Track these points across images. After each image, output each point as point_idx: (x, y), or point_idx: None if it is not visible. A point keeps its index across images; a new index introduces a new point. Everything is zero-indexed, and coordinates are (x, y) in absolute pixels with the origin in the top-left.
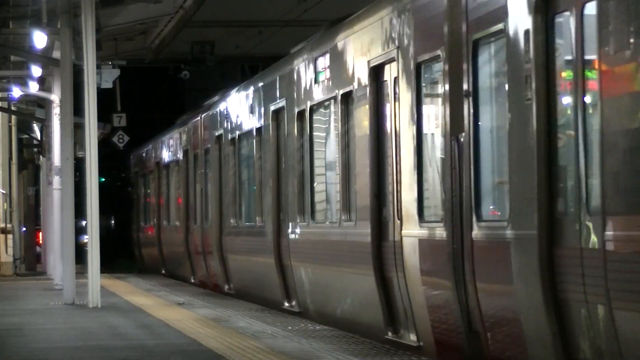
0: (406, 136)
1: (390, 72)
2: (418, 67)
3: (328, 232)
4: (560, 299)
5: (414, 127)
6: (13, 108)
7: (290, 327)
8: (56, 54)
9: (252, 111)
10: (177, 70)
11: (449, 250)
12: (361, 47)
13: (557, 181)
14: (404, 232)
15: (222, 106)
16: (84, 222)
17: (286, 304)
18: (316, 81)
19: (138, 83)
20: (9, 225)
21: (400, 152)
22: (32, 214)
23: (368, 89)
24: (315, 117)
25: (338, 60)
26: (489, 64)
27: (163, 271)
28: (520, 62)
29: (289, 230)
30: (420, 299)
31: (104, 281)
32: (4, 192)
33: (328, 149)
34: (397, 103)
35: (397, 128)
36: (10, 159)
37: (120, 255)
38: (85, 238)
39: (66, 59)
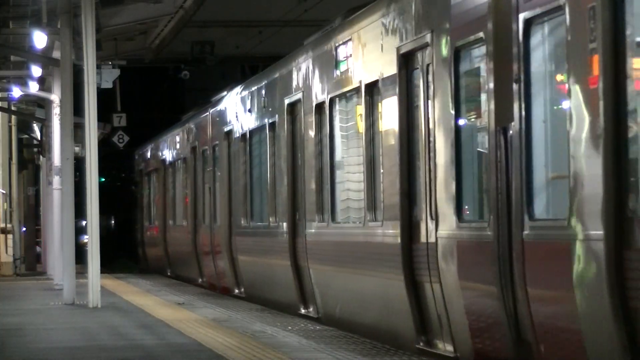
0: (442, 128)
1: (422, 59)
2: (456, 52)
3: (351, 232)
4: (631, 308)
5: (452, 119)
6: (13, 108)
7: (290, 327)
8: (56, 54)
9: (264, 105)
10: (177, 70)
11: (494, 253)
12: (388, 32)
13: (627, 175)
14: (439, 232)
15: (231, 101)
16: (84, 222)
17: (302, 309)
18: (337, 72)
19: (138, 83)
20: (9, 225)
21: (435, 146)
22: (32, 214)
23: (397, 78)
24: (335, 109)
25: (362, 48)
26: (543, 45)
27: (168, 272)
28: (583, 43)
29: (307, 231)
30: (458, 305)
31: (104, 281)
32: (4, 192)
33: (350, 144)
34: (431, 92)
35: (431, 120)
36: (10, 159)
37: (120, 255)
38: (85, 238)
39: (66, 59)
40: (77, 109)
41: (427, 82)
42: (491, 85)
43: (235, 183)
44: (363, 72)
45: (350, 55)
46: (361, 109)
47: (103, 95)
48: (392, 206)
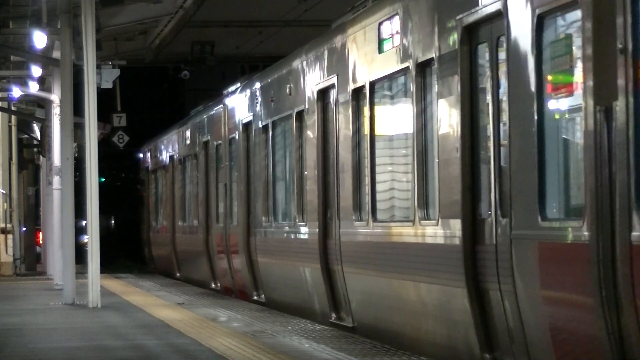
0: (519, 110)
1: (491, 31)
2: (539, 19)
3: (398, 233)
4: None
5: (533, 98)
6: (13, 108)
7: (290, 327)
8: (56, 54)
9: (290, 92)
10: (177, 70)
11: (593, 257)
12: (446, 2)
13: None
14: (515, 232)
15: (250, 90)
16: (84, 222)
17: (334, 317)
18: (380, 51)
19: (138, 83)
20: (9, 225)
21: (509, 131)
22: (32, 214)
23: (458, 55)
24: (377, 94)
25: (412, 22)
26: None
27: (177, 274)
28: None
29: (341, 231)
30: (538, 319)
31: (104, 281)
32: (4, 192)
33: (396, 132)
34: (503, 69)
35: (503, 101)
36: (10, 159)
37: (120, 255)
38: (85, 238)
39: (66, 59)
40: (77, 109)
41: (497, 57)
42: (589, 57)
43: (255, 179)
44: (413, 50)
45: (397, 32)
46: (411, 92)
47: (103, 95)
48: (451, 202)
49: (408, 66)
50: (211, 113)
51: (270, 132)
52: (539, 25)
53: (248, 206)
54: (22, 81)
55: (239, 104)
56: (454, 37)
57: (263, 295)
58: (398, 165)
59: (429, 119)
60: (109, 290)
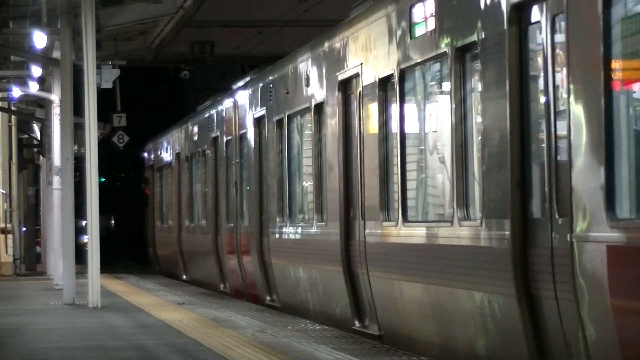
0: (581, 98)
1: (545, 10)
2: None
3: (433, 234)
4: None
5: (601, 84)
6: (13, 108)
7: (290, 327)
8: (56, 54)
9: (308, 84)
10: (177, 70)
11: None
12: None
13: None
14: (576, 233)
15: (263, 82)
16: (84, 222)
17: (357, 324)
18: (411, 37)
19: (138, 83)
20: (9, 225)
21: (568, 122)
22: (32, 214)
23: (506, 37)
24: (408, 83)
25: (451, 4)
26: None
27: (184, 276)
28: None
29: (366, 231)
30: (605, 331)
31: (104, 281)
32: (4, 192)
33: (429, 123)
34: (559, 52)
35: (561, 88)
36: (10, 159)
37: (120, 255)
38: (85, 238)
39: (66, 59)
40: (77, 109)
41: (553, 40)
42: None
43: (269, 177)
44: (452, 33)
45: (432, 15)
46: (448, 80)
47: (103, 95)
48: (496, 200)
49: (445, 52)
50: (220, 108)
51: (286, 127)
52: (607, 1)
53: (261, 205)
54: (22, 81)
55: (251, 97)
56: (501, 18)
57: (277, 299)
58: (433, 161)
59: (469, 109)
60: (109, 290)
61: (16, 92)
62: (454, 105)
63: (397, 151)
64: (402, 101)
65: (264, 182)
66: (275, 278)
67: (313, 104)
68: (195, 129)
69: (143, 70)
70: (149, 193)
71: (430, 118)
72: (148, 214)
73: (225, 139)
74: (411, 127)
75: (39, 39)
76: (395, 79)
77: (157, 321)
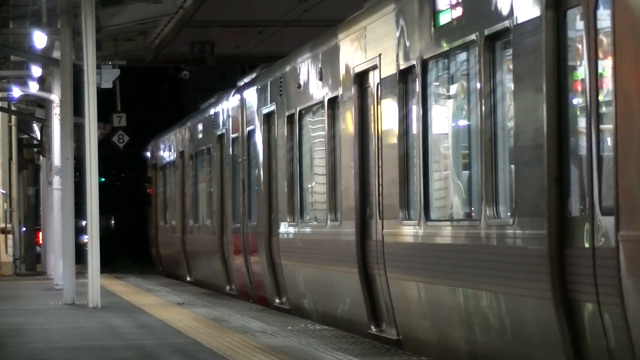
0: (629, 86)
1: None
2: None
3: (459, 233)
4: None
5: None
6: (13, 108)
7: (290, 327)
8: (56, 54)
9: (321, 77)
10: (177, 70)
11: None
12: None
13: None
14: (624, 233)
15: (272, 77)
16: (84, 222)
17: (374, 328)
18: (435, 25)
19: (138, 83)
20: (9, 225)
21: (615, 115)
22: (32, 214)
23: (542, 23)
24: (431, 74)
25: None
26: None
27: (188, 278)
28: None
29: (384, 231)
30: None
31: (104, 281)
32: (4, 192)
33: (455, 117)
34: (603, 38)
35: (605, 77)
36: (10, 159)
37: (120, 255)
38: (85, 238)
39: (66, 59)
40: (77, 109)
41: (595, 25)
42: None
43: (278, 174)
44: (480, 20)
45: (458, 2)
46: (476, 70)
47: (103, 95)
48: (531, 197)
49: (474, 40)
50: (226, 104)
51: (297, 123)
52: None
53: (269, 204)
54: (22, 81)
55: (259, 93)
56: (537, 2)
57: (287, 302)
58: (459, 156)
59: (500, 101)
60: (109, 290)
61: (16, 92)
62: (483, 97)
63: (419, 146)
64: (424, 94)
65: (273, 181)
66: (285, 279)
67: (327, 98)
68: (200, 127)
69: (143, 70)
70: (152, 192)
71: (456, 111)
72: (151, 213)
73: (231, 136)
74: (435, 121)
75: (39, 39)
76: (418, 71)
77: (157, 321)
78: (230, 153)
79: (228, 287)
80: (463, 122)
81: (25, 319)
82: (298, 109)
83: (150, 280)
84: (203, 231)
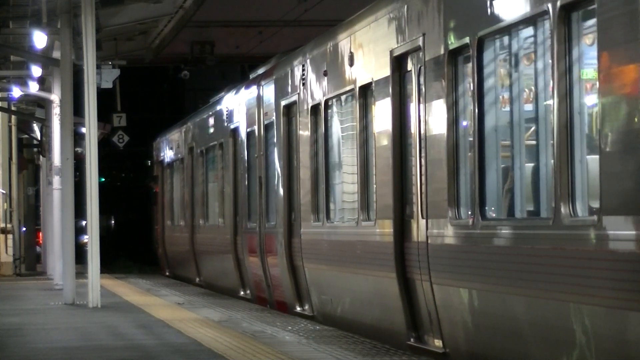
0: None
1: None
2: None
3: (525, 235)
4: None
5: None
6: (13, 108)
7: (290, 327)
8: (56, 54)
9: (352, 63)
10: (177, 70)
11: None
12: None
13: None
14: None
15: (293, 65)
16: (84, 222)
17: (413, 340)
18: None
19: (138, 83)
20: (9, 225)
21: None
22: (32, 214)
23: None
24: (488, 54)
25: None
26: None
27: (197, 280)
28: None
29: (428, 232)
30: None
31: (104, 281)
32: (4, 192)
33: (518, 101)
34: None
35: None
36: (10, 159)
37: (120, 255)
38: (85, 238)
39: (66, 59)
40: (77, 109)
41: None
42: None
43: (301, 170)
44: None
45: None
46: (548, 46)
47: (103, 95)
48: (622, 192)
49: (545, 10)
50: (240, 96)
51: (322, 113)
52: None
53: (290, 202)
54: (22, 81)
55: (278, 83)
56: None
57: (310, 308)
58: (523, 146)
59: (576, 81)
60: (109, 290)
61: (16, 92)
62: (556, 77)
63: (474, 135)
64: (480, 76)
65: (294, 177)
66: (309, 284)
67: (358, 85)
68: (211, 121)
69: (143, 70)
70: (158, 191)
71: (520, 93)
72: (157, 212)
73: (246, 130)
74: (491, 107)
75: (39, 39)
76: (473, 50)
77: (157, 321)
78: (245, 148)
79: (242, 291)
80: (530, 107)
81: (25, 319)
82: (324, 99)
83: (150, 280)
84: (214, 231)
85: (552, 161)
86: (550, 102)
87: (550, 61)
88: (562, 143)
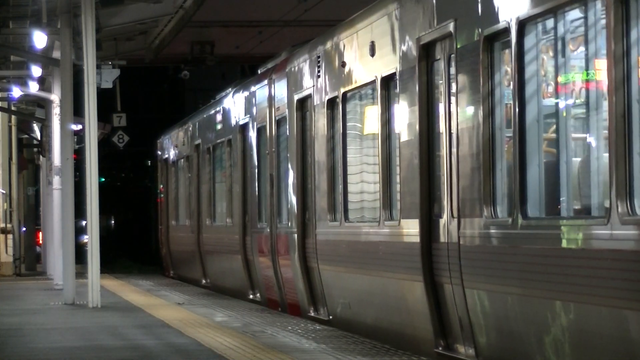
0: None
1: None
2: None
3: (570, 234)
4: None
5: None
6: (13, 108)
7: (290, 327)
8: (56, 54)
9: (373, 52)
10: (177, 70)
11: None
12: None
13: None
14: None
15: (308, 57)
16: (84, 222)
17: (441, 347)
18: None
19: (138, 83)
20: (9, 225)
21: None
22: (32, 214)
23: None
24: (530, 38)
25: None
26: None
27: (204, 281)
28: None
29: (460, 232)
30: None
31: (104, 281)
32: (4, 192)
33: (566, 88)
34: None
35: None
36: (10, 159)
37: (120, 255)
38: (85, 238)
39: (66, 59)
40: (77, 109)
41: None
42: None
43: (316, 167)
44: None
45: None
46: (602, 28)
47: (103, 95)
48: None
49: None
50: (251, 91)
51: (340, 107)
52: None
53: (304, 201)
54: (22, 81)
55: (291, 76)
56: None
57: (326, 312)
58: (570, 138)
59: (635, 66)
60: (109, 290)
61: (16, 92)
62: (613, 61)
63: (514, 128)
64: (520, 63)
65: (309, 175)
66: (324, 287)
67: (380, 76)
68: (219, 117)
69: (143, 70)
70: (162, 190)
71: (567, 80)
72: (160, 212)
73: (256, 125)
74: (533, 96)
75: (39, 39)
76: (513, 35)
77: (157, 321)
78: (255, 145)
79: (251, 294)
80: (576, 96)
81: (25, 319)
82: (342, 92)
83: (150, 280)
84: (222, 231)
85: (606, 155)
86: (603, 89)
87: (604, 44)
88: (619, 134)
